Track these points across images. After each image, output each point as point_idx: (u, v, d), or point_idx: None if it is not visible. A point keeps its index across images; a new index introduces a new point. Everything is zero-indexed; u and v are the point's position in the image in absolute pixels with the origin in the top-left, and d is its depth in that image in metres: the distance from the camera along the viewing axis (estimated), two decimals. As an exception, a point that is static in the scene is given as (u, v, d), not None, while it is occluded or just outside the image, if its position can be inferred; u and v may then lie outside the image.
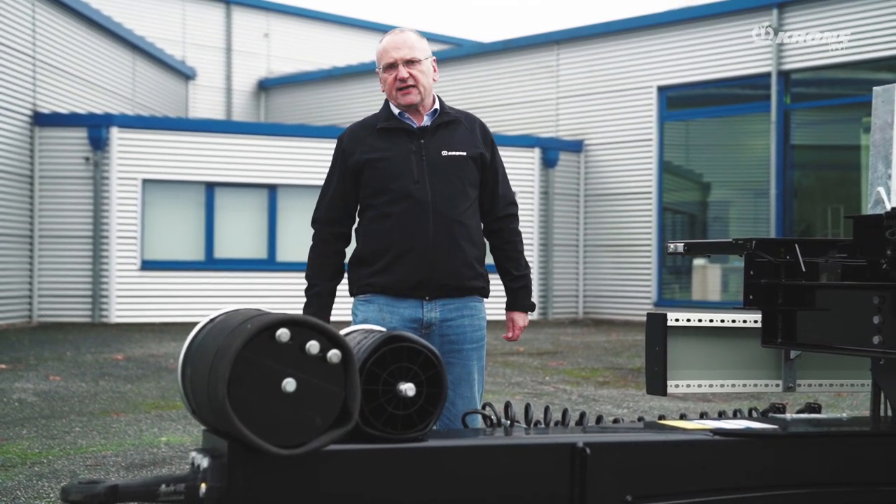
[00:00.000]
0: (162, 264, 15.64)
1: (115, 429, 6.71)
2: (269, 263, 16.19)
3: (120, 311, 15.23)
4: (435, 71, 3.69)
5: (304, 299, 3.72)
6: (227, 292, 15.57)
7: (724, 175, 17.98)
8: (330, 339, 2.29)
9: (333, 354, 2.28)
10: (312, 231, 3.77)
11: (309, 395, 2.26)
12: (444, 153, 3.61)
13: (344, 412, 2.31)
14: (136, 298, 15.38)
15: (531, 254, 16.53)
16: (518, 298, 3.81)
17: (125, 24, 19.71)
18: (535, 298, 18.18)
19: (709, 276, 17.40)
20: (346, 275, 3.78)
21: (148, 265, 15.53)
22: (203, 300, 15.44)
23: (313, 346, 2.26)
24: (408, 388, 2.39)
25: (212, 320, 2.48)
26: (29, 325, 14.87)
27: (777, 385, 3.55)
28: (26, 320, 15.02)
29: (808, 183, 17.11)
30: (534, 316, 17.24)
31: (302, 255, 16.12)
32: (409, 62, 3.59)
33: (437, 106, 3.68)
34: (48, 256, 15.31)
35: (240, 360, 2.20)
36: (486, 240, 3.79)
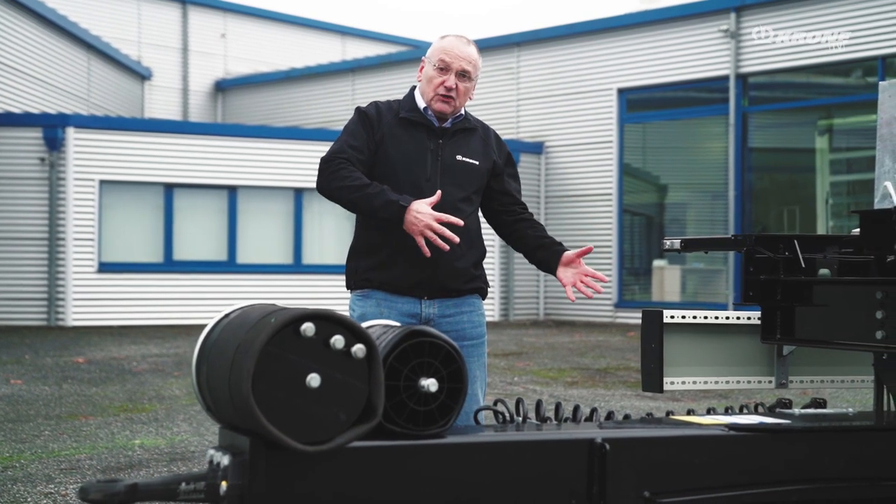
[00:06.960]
0: (120, 266, 15.40)
1: (85, 432, 6.59)
2: (230, 265, 16.02)
3: (77, 314, 14.97)
4: (472, 92, 3.65)
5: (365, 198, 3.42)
6: (187, 294, 15.37)
7: (682, 177, 18.12)
8: (354, 333, 2.25)
9: (358, 349, 2.24)
10: (323, 167, 3.50)
11: (333, 391, 2.22)
12: (459, 158, 3.61)
13: (368, 408, 2.27)
14: (93, 301, 15.13)
15: (492, 255, 16.52)
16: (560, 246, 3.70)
17: (80, 24, 19.45)
18: (495, 300, 17.78)
19: (667, 278, 17.51)
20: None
21: (105, 267, 15.29)
22: (162, 302, 15.23)
23: (338, 340, 2.22)
24: (430, 384, 2.35)
25: (226, 316, 2.43)
26: (-17, 328, 14.59)
27: (770, 381, 3.56)
28: (-20, 324, 14.74)
29: (764, 185, 17.30)
30: (494, 317, 17.23)
31: (261, 258, 15.81)
32: (463, 74, 3.57)
33: (461, 112, 3.67)
34: (2, 259, 15.02)
35: (264, 355, 2.15)
36: (511, 230, 3.76)
